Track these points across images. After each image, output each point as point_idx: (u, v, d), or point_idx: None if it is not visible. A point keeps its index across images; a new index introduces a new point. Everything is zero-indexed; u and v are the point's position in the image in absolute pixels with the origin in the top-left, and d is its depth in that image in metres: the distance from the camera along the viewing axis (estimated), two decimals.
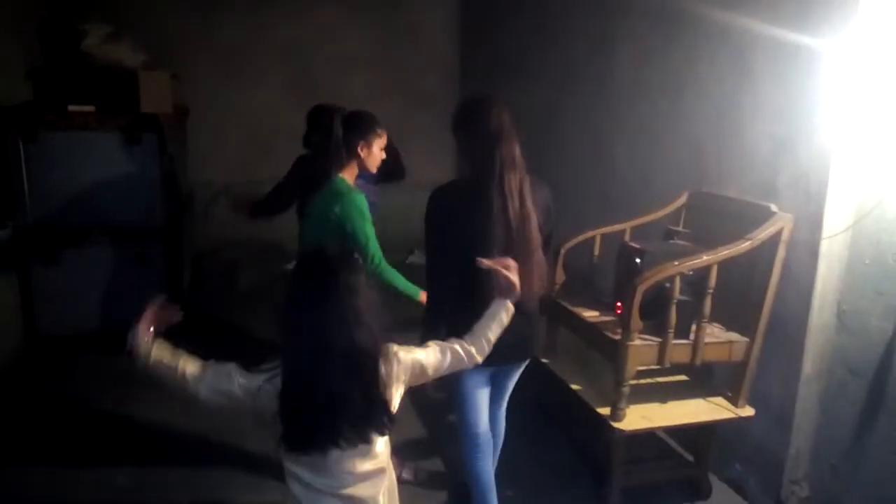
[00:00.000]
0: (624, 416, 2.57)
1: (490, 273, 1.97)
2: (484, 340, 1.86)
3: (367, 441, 1.59)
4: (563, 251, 3.05)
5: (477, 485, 2.47)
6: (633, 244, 2.71)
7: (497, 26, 5.45)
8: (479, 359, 1.86)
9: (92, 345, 3.99)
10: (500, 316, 1.90)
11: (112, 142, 3.97)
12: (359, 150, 2.54)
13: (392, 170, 3.38)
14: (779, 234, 2.52)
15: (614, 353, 2.53)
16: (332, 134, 2.64)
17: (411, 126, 6.16)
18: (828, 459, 2.67)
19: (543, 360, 3.04)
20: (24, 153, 3.86)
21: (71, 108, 3.92)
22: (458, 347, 1.83)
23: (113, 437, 3.24)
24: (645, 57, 3.56)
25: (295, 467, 1.64)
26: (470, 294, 2.10)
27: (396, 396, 1.70)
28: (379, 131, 2.59)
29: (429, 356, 1.77)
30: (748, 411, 2.70)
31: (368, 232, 2.51)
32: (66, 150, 3.91)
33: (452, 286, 2.22)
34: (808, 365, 2.64)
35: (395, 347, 1.69)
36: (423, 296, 2.53)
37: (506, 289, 1.90)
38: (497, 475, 2.59)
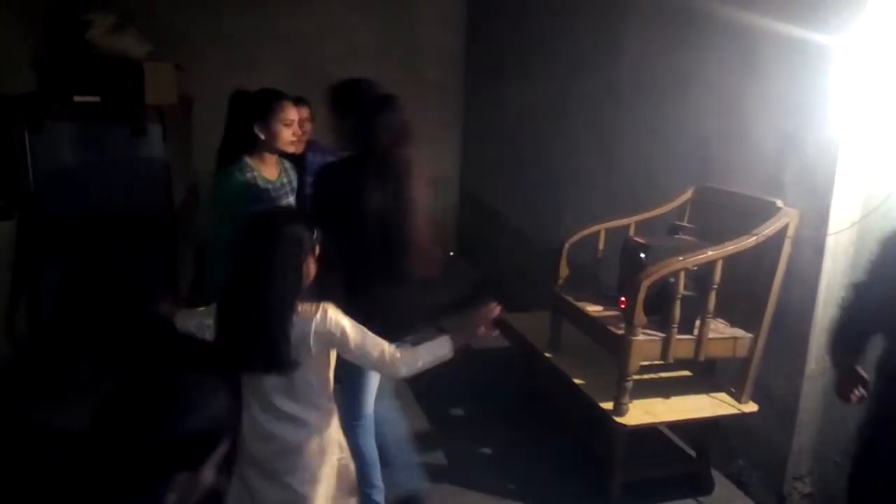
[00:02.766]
0: (627, 410, 2.57)
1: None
2: (418, 362, 1.89)
3: (277, 371, 1.77)
4: (566, 245, 3.05)
5: (369, 462, 2.44)
6: (637, 239, 2.71)
7: (502, 21, 5.43)
8: (402, 373, 1.92)
9: (96, 334, 4.00)
10: (440, 353, 1.90)
11: (117, 133, 3.97)
12: (256, 131, 2.40)
13: None
14: (784, 229, 2.51)
15: (618, 348, 2.53)
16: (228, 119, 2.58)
17: (415, 119, 6.17)
18: (831, 456, 2.66)
19: (546, 354, 3.04)
20: (30, 143, 3.85)
21: (76, 98, 3.91)
22: (390, 352, 1.86)
23: None
24: (651, 52, 3.54)
25: (246, 391, 1.87)
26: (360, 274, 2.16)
27: (322, 352, 1.84)
28: (275, 106, 2.39)
29: (357, 335, 1.83)
30: (751, 407, 2.69)
31: (221, 216, 2.43)
32: (72, 141, 3.91)
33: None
34: (813, 361, 2.63)
35: (330, 308, 1.82)
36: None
37: (466, 333, 1.94)
38: (499, 468, 2.58)
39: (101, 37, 4.14)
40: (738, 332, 2.66)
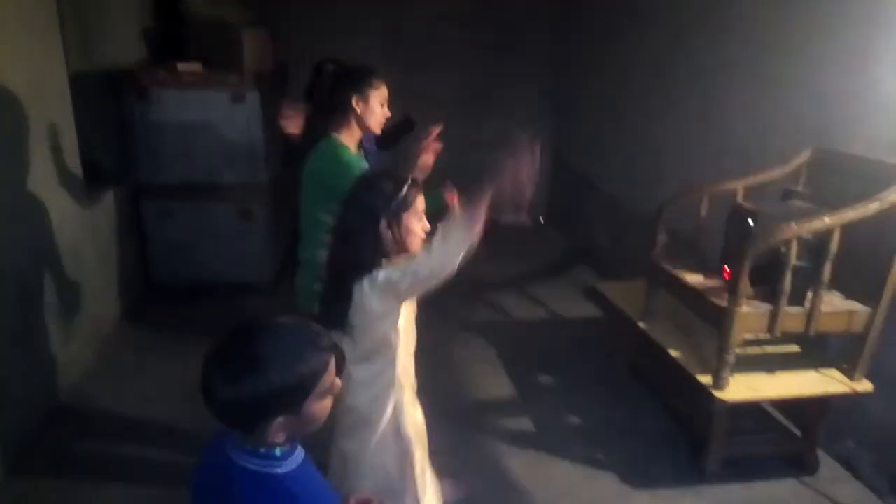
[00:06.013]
0: (727, 385, 2.46)
1: None
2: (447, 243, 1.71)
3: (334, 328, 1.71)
4: (663, 210, 2.91)
5: None
6: (745, 204, 2.55)
7: None
8: (451, 263, 1.72)
9: (199, 294, 4.24)
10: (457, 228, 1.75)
11: (218, 100, 4.09)
12: (353, 104, 2.32)
13: (395, 128, 3.21)
14: None
15: (720, 320, 2.41)
16: (324, 89, 2.50)
17: (509, 84, 6.05)
18: None
19: (640, 325, 2.95)
20: (138, 110, 4.05)
21: (179, 66, 4.06)
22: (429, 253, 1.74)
23: None
24: (766, 4, 3.28)
25: None
26: None
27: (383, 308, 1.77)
28: (375, 83, 2.34)
29: (397, 271, 1.74)
30: (865, 386, 2.52)
31: (325, 198, 2.25)
32: (176, 108, 4.07)
33: None
34: None
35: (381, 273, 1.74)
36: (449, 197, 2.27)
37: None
38: (588, 438, 2.49)
39: (202, 4, 4.28)
40: (855, 306, 2.47)
